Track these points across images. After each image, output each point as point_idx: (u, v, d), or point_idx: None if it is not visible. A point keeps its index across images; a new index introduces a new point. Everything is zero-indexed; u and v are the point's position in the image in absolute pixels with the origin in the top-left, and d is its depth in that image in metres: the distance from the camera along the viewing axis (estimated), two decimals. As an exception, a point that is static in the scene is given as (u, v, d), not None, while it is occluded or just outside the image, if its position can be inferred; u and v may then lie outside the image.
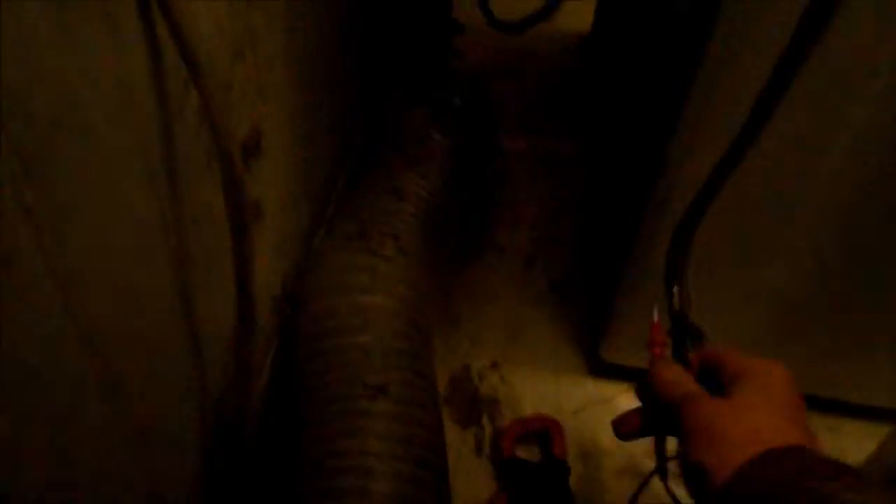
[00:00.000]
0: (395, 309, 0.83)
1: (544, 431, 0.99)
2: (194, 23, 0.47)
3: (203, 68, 0.48)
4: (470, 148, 1.14)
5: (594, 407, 1.05)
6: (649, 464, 0.96)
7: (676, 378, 0.49)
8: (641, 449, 0.98)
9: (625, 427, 0.52)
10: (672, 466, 0.57)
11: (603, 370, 1.08)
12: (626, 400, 1.06)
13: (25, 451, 0.40)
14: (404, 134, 1.06)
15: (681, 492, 0.51)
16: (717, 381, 0.48)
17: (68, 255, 0.41)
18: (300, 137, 0.86)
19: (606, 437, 0.99)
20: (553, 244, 1.28)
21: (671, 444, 0.52)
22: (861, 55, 0.67)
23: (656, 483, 0.65)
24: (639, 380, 0.53)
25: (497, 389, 1.07)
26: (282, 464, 0.77)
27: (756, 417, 0.42)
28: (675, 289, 0.54)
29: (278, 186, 0.81)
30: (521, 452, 0.98)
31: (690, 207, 0.59)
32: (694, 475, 0.43)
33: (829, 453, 0.41)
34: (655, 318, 0.53)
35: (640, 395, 0.54)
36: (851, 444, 0.93)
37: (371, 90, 1.21)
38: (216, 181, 0.56)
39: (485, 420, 1.04)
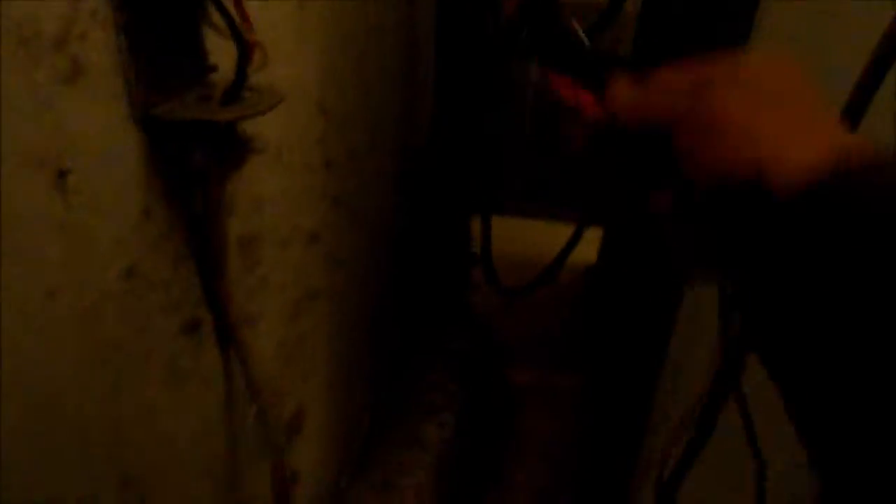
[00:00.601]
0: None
1: None
2: (261, 363, 0.63)
3: (263, 396, 0.64)
4: (483, 392, 1.27)
5: None
6: None
7: (642, 87, 0.36)
8: None
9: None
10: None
11: None
12: None
13: None
14: (424, 384, 1.20)
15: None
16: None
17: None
18: (334, 404, 1.00)
19: None
20: (563, 483, 1.36)
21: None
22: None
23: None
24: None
25: None
26: None
27: (799, 110, 0.31)
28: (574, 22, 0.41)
29: (315, 449, 0.94)
30: None
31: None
32: (726, 194, 0.31)
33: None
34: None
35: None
36: None
37: (394, 339, 1.37)
38: (266, 468, 0.70)
39: None
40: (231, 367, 0.62)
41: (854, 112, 0.56)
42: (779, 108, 0.31)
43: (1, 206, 0.33)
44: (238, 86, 0.42)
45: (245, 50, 0.41)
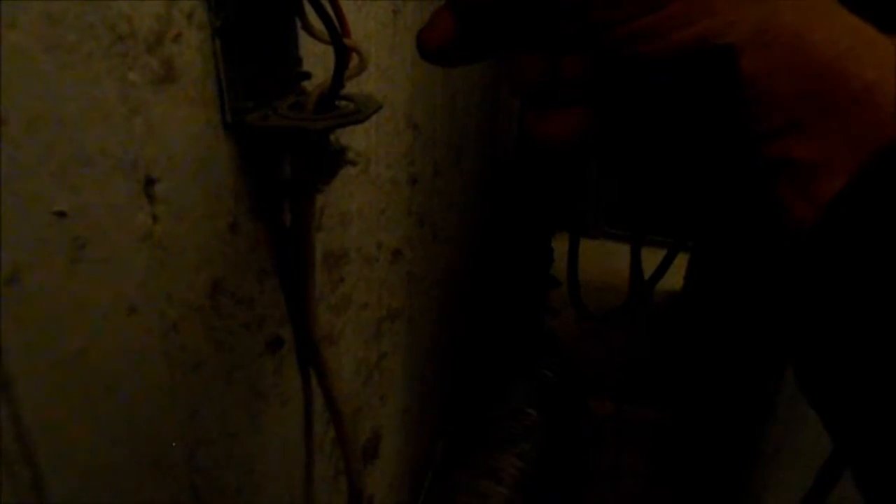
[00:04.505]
0: None
1: None
2: (340, 384, 0.60)
3: (342, 418, 0.61)
4: (563, 421, 1.21)
5: None
6: None
7: None
8: None
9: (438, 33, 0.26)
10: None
11: None
12: None
13: None
14: (503, 410, 1.15)
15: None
16: None
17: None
18: (409, 428, 0.96)
19: None
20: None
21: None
22: None
23: None
24: None
25: None
26: None
27: None
28: None
29: (388, 474, 0.90)
30: None
31: None
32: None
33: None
34: None
35: None
36: None
37: (472, 362, 1.33)
38: (341, 491, 0.67)
39: None
40: (310, 388, 0.59)
41: None
42: None
43: (88, 215, 0.31)
44: (334, 93, 0.39)
45: (343, 54, 0.38)
